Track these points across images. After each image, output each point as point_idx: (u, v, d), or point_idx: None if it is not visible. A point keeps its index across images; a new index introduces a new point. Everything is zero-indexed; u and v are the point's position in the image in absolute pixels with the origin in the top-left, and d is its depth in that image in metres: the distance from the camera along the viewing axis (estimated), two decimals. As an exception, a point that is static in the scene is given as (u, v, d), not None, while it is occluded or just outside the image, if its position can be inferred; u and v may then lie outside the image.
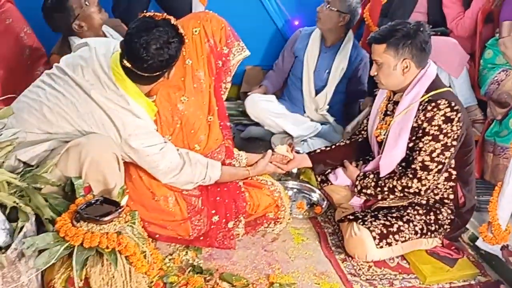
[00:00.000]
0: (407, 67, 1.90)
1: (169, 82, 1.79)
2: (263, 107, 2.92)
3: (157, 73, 1.69)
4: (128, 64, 1.63)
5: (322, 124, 3.01)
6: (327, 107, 2.99)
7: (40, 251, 1.33)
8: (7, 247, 1.29)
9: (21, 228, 1.33)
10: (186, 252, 1.96)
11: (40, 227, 1.46)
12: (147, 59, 1.61)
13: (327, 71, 2.96)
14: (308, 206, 2.38)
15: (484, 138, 2.69)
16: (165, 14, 1.70)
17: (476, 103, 2.94)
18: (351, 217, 1.97)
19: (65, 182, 1.55)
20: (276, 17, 3.42)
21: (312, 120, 3.03)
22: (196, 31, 1.86)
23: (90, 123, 1.63)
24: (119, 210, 1.42)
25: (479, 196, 2.27)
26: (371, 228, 1.88)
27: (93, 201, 1.45)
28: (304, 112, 3.04)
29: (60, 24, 2.23)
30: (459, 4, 3.01)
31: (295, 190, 2.50)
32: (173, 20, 1.68)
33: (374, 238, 1.86)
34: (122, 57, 1.65)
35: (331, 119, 2.98)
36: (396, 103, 2.00)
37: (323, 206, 2.34)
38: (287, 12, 3.41)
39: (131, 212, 1.51)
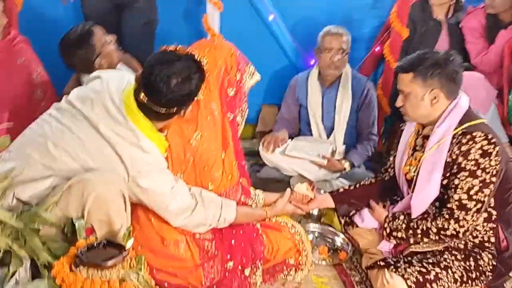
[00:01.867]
0: (435, 98, 1.77)
1: (183, 115, 1.69)
2: (277, 152, 2.80)
3: (174, 109, 1.61)
4: (144, 99, 1.55)
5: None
6: (343, 147, 2.84)
7: (34, 301, 1.18)
8: (-4, 296, 1.15)
9: (14, 273, 1.19)
10: (198, 302, 1.78)
11: (37, 273, 1.31)
12: (167, 93, 1.53)
13: (335, 111, 2.85)
14: (331, 251, 2.19)
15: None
16: (189, 48, 1.63)
17: (507, 140, 2.83)
18: (382, 263, 1.78)
19: (65, 223, 1.42)
20: (292, 55, 3.37)
21: None
22: (204, 61, 1.77)
23: (96, 159, 1.53)
24: (123, 254, 1.28)
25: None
26: (405, 276, 1.68)
27: (95, 244, 1.31)
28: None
29: (80, 60, 2.19)
30: (483, 40, 2.95)
31: (316, 233, 2.31)
32: (196, 55, 1.62)
33: (410, 287, 1.66)
34: (137, 90, 1.58)
35: (347, 166, 2.75)
36: (426, 137, 1.86)
37: (348, 252, 2.14)
38: (302, 51, 3.35)
39: (137, 257, 1.37)
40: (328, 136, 2.86)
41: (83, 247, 1.28)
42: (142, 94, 1.55)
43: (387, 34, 3.14)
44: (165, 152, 1.70)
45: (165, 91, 1.52)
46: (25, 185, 1.47)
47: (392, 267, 1.73)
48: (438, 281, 1.69)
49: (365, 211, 2.07)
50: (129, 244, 1.33)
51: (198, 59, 1.62)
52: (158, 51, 1.62)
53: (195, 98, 1.66)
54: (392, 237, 1.90)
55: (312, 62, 3.34)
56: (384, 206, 2.07)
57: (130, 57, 2.51)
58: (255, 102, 3.39)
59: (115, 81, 1.65)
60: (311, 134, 2.90)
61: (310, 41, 3.33)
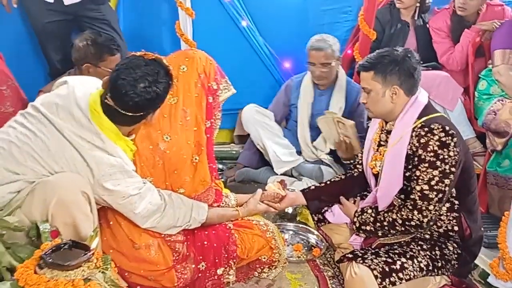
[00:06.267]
0: (395, 93, 1.83)
1: (150, 120, 1.71)
2: (256, 117, 2.92)
3: (141, 113, 1.61)
4: (111, 102, 1.56)
5: (319, 164, 2.93)
6: (329, 149, 2.91)
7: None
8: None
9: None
10: (172, 303, 1.79)
11: (2, 278, 1.31)
12: (133, 96, 1.54)
13: None
14: (306, 249, 2.23)
15: (486, 171, 2.58)
16: (156, 53, 1.65)
17: (474, 135, 2.90)
18: (350, 255, 1.82)
19: (30, 227, 1.42)
20: (266, 60, 3.42)
21: (307, 161, 2.96)
22: (183, 68, 1.81)
23: (61, 163, 1.54)
24: (88, 254, 1.29)
25: (487, 231, 2.13)
26: (372, 266, 1.72)
27: (61, 245, 1.32)
28: (300, 153, 2.98)
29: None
30: (448, 39, 3.04)
31: (291, 232, 2.35)
32: (164, 60, 1.63)
33: (376, 277, 1.70)
34: (105, 95, 1.59)
35: (328, 161, 2.89)
36: (389, 132, 1.91)
37: (322, 248, 2.18)
38: (276, 55, 3.41)
39: (103, 257, 1.37)
40: (313, 138, 2.93)
41: (47, 249, 1.29)
42: (109, 97, 1.56)
43: (357, 37, 3.23)
44: (133, 156, 1.71)
45: (132, 94, 1.53)
46: None
47: (360, 258, 1.76)
48: (404, 271, 1.73)
49: (336, 207, 2.12)
50: (94, 244, 1.34)
51: (166, 64, 1.63)
52: (126, 57, 1.64)
53: (163, 103, 1.67)
54: (361, 231, 1.94)
55: (287, 66, 3.42)
56: (354, 202, 2.11)
57: None
58: (232, 107, 3.43)
59: (81, 86, 1.66)
60: (297, 134, 2.97)
61: (283, 45, 3.41)
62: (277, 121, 3.05)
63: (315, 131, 2.92)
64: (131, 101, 1.55)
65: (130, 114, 1.59)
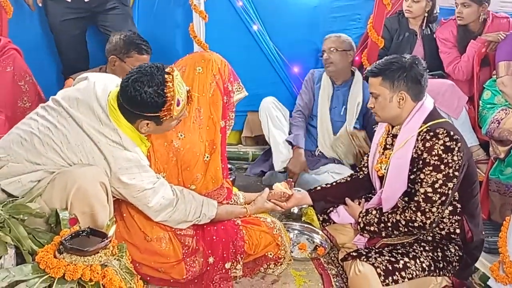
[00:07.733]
0: (403, 99, 1.89)
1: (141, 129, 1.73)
2: (271, 110, 3.03)
3: (129, 109, 1.63)
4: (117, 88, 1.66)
5: (332, 162, 3.03)
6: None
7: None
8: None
9: (-1, 259, 1.26)
10: (180, 295, 1.85)
11: (23, 261, 1.38)
12: (127, 84, 1.60)
13: (344, 107, 3.01)
14: (311, 248, 2.28)
15: (488, 178, 2.63)
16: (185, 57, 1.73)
17: (478, 143, 2.95)
18: (354, 253, 1.87)
19: (50, 214, 1.49)
20: (276, 64, 3.48)
21: (321, 153, 3.05)
22: (199, 69, 1.87)
23: (80, 155, 1.60)
24: (106, 241, 1.35)
25: (488, 237, 2.18)
26: (375, 264, 1.77)
27: (79, 232, 1.38)
28: (317, 146, 3.06)
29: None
30: (455, 50, 3.09)
31: (296, 231, 2.41)
32: (168, 80, 1.61)
33: (379, 274, 1.75)
34: None
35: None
36: (395, 136, 1.97)
37: (326, 247, 2.23)
38: (286, 60, 3.48)
39: (119, 245, 1.44)
40: (335, 131, 3.02)
41: (67, 235, 1.36)
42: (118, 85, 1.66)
43: (365, 44, 3.29)
44: (147, 152, 1.78)
45: (127, 82, 1.59)
46: (11, 178, 1.54)
47: (364, 257, 1.81)
48: (406, 270, 1.78)
49: (341, 207, 2.17)
50: (111, 232, 1.41)
51: (171, 83, 1.61)
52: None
53: (146, 115, 1.64)
54: (365, 231, 2.00)
55: (296, 70, 3.49)
56: (359, 203, 2.17)
57: None
58: (241, 109, 3.49)
59: (102, 82, 1.73)
60: (315, 126, 3.07)
61: (292, 50, 3.48)
62: (308, 109, 3.11)
63: (337, 124, 3.01)
64: (123, 86, 1.62)
65: (121, 101, 1.64)
